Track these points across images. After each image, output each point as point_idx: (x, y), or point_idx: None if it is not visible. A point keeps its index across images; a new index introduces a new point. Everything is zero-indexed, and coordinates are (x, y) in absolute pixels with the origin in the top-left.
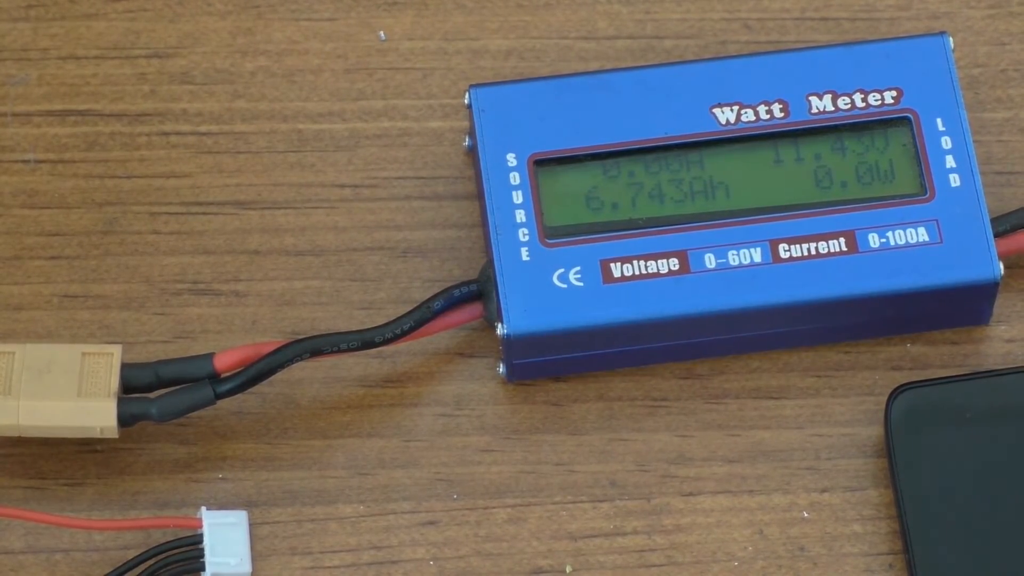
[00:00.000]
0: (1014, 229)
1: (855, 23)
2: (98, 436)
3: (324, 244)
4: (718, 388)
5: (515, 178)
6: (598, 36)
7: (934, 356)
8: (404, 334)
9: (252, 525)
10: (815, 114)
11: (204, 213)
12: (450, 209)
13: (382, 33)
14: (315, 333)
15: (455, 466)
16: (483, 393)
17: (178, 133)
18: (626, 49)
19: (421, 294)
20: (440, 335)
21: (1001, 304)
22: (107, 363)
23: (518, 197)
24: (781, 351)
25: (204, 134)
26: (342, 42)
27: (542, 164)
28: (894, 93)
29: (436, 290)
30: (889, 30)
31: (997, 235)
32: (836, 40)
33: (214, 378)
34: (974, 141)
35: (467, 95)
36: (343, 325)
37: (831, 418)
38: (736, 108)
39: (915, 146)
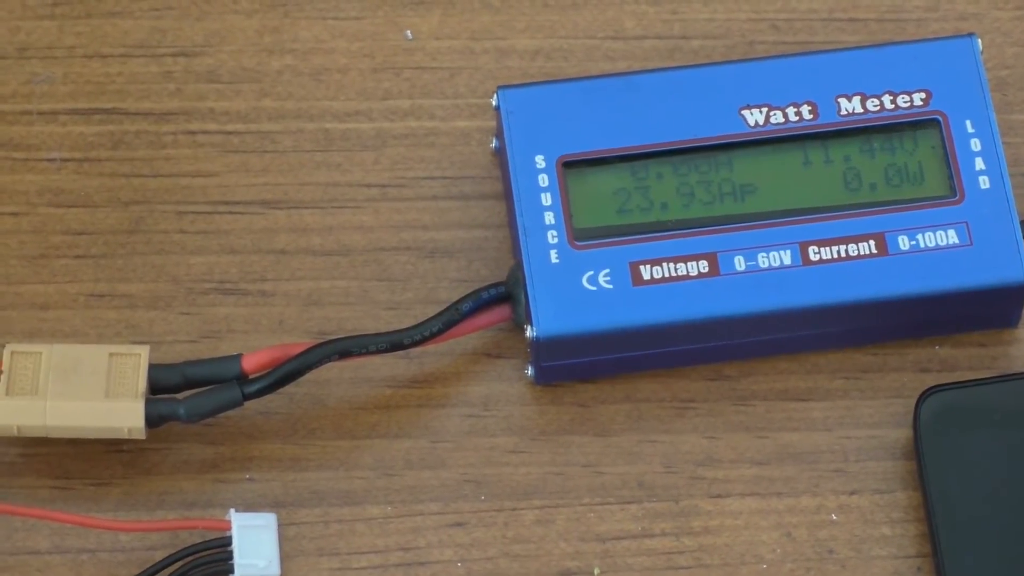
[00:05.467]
0: None
1: (883, 24)
2: (126, 437)
3: (351, 244)
4: (746, 390)
5: (544, 180)
6: (625, 36)
7: (962, 359)
8: (433, 336)
9: (280, 526)
10: (844, 116)
11: (231, 212)
12: (477, 209)
13: (409, 32)
14: (342, 333)
15: (483, 467)
16: (511, 394)
17: (204, 132)
18: (653, 49)
19: (448, 295)
20: (468, 336)
21: None
22: (135, 364)
23: (547, 199)
24: (809, 353)
25: (231, 133)
26: (369, 41)
27: (571, 166)
28: (923, 95)
29: (463, 290)
30: (917, 31)
31: None
32: (864, 41)
33: (242, 379)
34: (1003, 143)
35: (495, 97)
36: (370, 325)
37: (859, 420)
38: (765, 110)
39: (944, 148)
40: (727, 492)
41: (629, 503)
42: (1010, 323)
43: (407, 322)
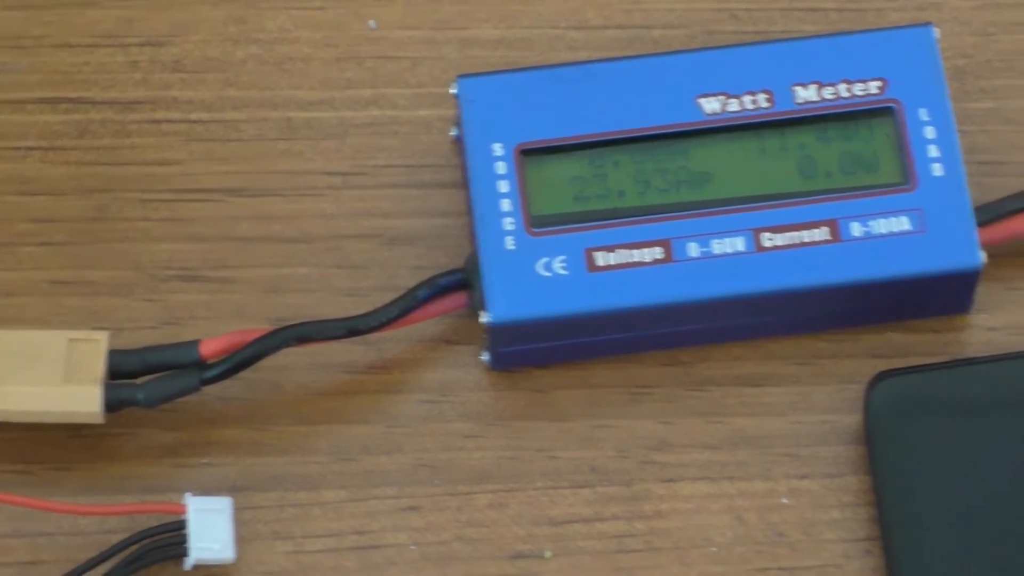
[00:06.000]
0: (997, 218)
1: (842, 13)
2: (84, 421)
3: (312, 231)
4: (700, 376)
5: (501, 167)
6: (587, 26)
7: (916, 344)
8: (390, 322)
9: (236, 510)
10: (800, 104)
11: (194, 200)
12: (437, 197)
13: (372, 22)
14: (302, 320)
15: (438, 452)
16: (467, 380)
17: (169, 121)
18: (614, 39)
19: (408, 282)
20: (425, 322)
21: (983, 293)
22: (94, 349)
23: (504, 186)
24: (764, 339)
25: (195, 122)
26: (332, 31)
27: (528, 154)
28: (879, 84)
29: (423, 278)
30: (876, 20)
31: (980, 224)
32: (823, 30)
33: (200, 364)
34: (959, 131)
35: (454, 85)
36: (329, 312)
37: (812, 405)
38: (722, 98)
39: (899, 136)
40: (679, 476)
41: (582, 487)
42: (963, 309)
43: (366, 309)
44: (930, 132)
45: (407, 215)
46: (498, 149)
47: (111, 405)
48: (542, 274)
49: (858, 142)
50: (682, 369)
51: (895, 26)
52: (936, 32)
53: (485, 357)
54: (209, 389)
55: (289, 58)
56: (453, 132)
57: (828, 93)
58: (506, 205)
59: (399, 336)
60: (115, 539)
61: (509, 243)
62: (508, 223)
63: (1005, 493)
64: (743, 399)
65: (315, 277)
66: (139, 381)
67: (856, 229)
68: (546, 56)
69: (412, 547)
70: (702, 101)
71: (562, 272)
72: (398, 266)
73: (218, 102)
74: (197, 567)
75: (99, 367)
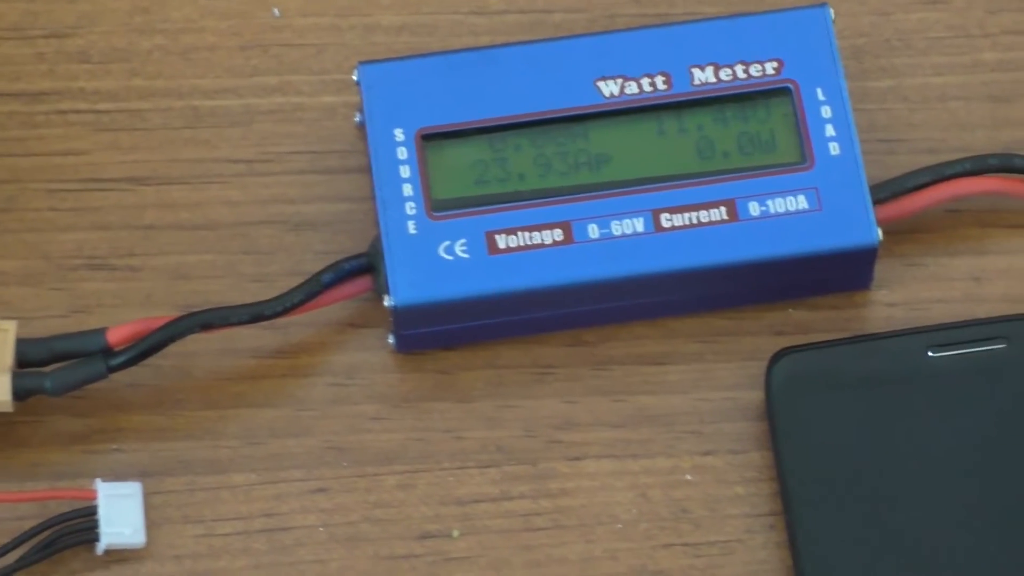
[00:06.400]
0: (895, 195)
1: None
2: None
3: (218, 219)
4: (604, 355)
5: (402, 152)
6: (489, 11)
7: (817, 321)
8: (294, 307)
9: (146, 495)
10: (697, 86)
11: (101, 190)
12: (343, 183)
13: (276, 10)
14: (208, 306)
15: (346, 434)
16: (374, 363)
17: (76, 111)
18: (516, 23)
19: (313, 267)
20: (332, 306)
21: (883, 269)
22: (2, 339)
23: (405, 171)
24: (666, 318)
25: (101, 112)
26: (237, 19)
27: (429, 139)
28: (775, 64)
29: (328, 263)
30: (775, 1)
31: (877, 201)
32: (723, 12)
33: (107, 352)
34: (858, 110)
35: (355, 72)
36: (236, 298)
37: (715, 383)
38: (620, 81)
39: (795, 116)
40: (584, 455)
41: (488, 467)
42: (863, 285)
43: (273, 294)
44: (826, 111)
45: (313, 200)
46: (399, 134)
47: (19, 393)
48: (444, 257)
49: (755, 122)
50: (586, 349)
51: (792, 7)
52: (831, 12)
53: (391, 340)
54: (118, 376)
55: (194, 47)
56: (357, 118)
57: (725, 74)
58: (408, 190)
59: (306, 320)
60: (27, 525)
61: (411, 227)
62: (410, 207)
63: (904, 467)
64: (646, 377)
65: (221, 264)
66: (47, 369)
67: (754, 208)
68: (449, 41)
69: (321, 529)
70: (601, 84)
71: (463, 255)
72: (304, 251)
73: (124, 92)
74: (108, 552)
75: (7, 356)
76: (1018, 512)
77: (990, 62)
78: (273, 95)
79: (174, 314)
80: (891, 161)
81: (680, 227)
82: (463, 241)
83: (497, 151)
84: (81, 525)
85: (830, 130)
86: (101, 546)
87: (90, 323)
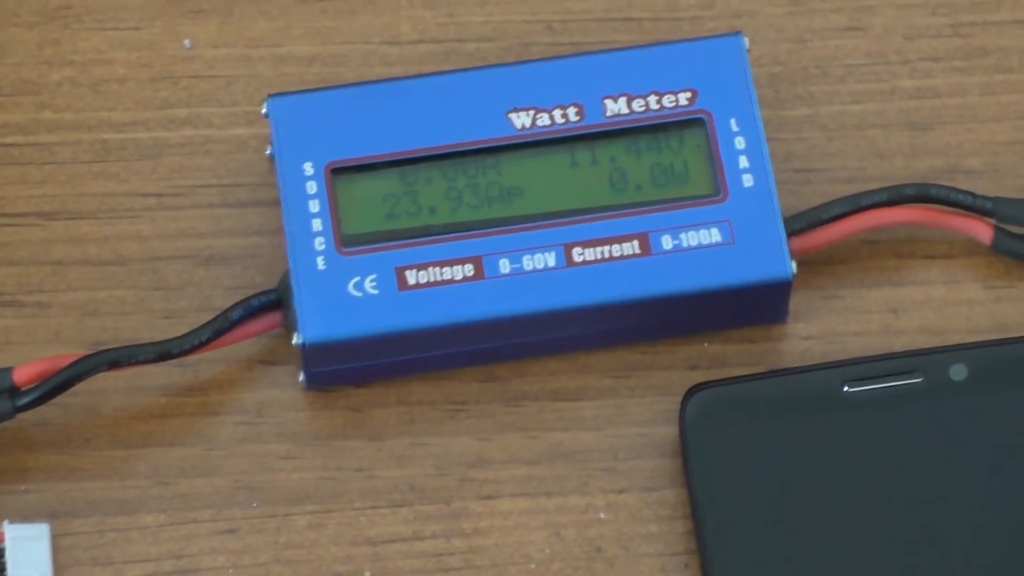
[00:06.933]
0: (810, 226)
1: (657, 23)
2: None
3: (127, 253)
4: (517, 391)
5: (312, 187)
6: (401, 41)
7: (731, 355)
8: (202, 345)
9: (54, 536)
10: (610, 117)
11: (8, 225)
12: (253, 216)
13: (187, 41)
14: (118, 343)
15: (256, 473)
16: (284, 400)
17: None
18: (429, 53)
19: (223, 302)
20: (243, 343)
21: (798, 302)
22: None
23: (315, 206)
24: (580, 352)
25: (10, 145)
26: (147, 51)
27: (339, 172)
28: (688, 94)
29: (239, 298)
30: (692, 29)
31: (793, 233)
32: (638, 41)
33: (13, 391)
34: (774, 139)
35: (264, 104)
36: (146, 334)
37: (629, 418)
38: (532, 112)
39: (709, 147)
40: (497, 493)
41: (400, 506)
42: (778, 319)
43: (183, 330)
44: (740, 142)
45: (223, 235)
46: (308, 168)
47: None
48: (353, 294)
49: (668, 154)
50: (499, 385)
51: (705, 36)
52: (746, 41)
53: (301, 377)
54: (25, 415)
55: (104, 79)
56: (268, 150)
57: (638, 105)
58: (317, 224)
59: (216, 357)
60: None
61: (320, 263)
62: (319, 243)
63: (819, 502)
64: (560, 413)
65: (131, 299)
66: None
67: (666, 242)
68: (361, 71)
69: (231, 570)
70: (512, 116)
71: (372, 291)
72: (214, 286)
73: (32, 125)
74: None
75: None
76: (932, 545)
77: (908, 89)
78: (183, 128)
79: (83, 351)
80: (808, 191)
81: (592, 261)
82: (372, 277)
83: (408, 184)
84: None
85: (744, 161)
86: None
87: None
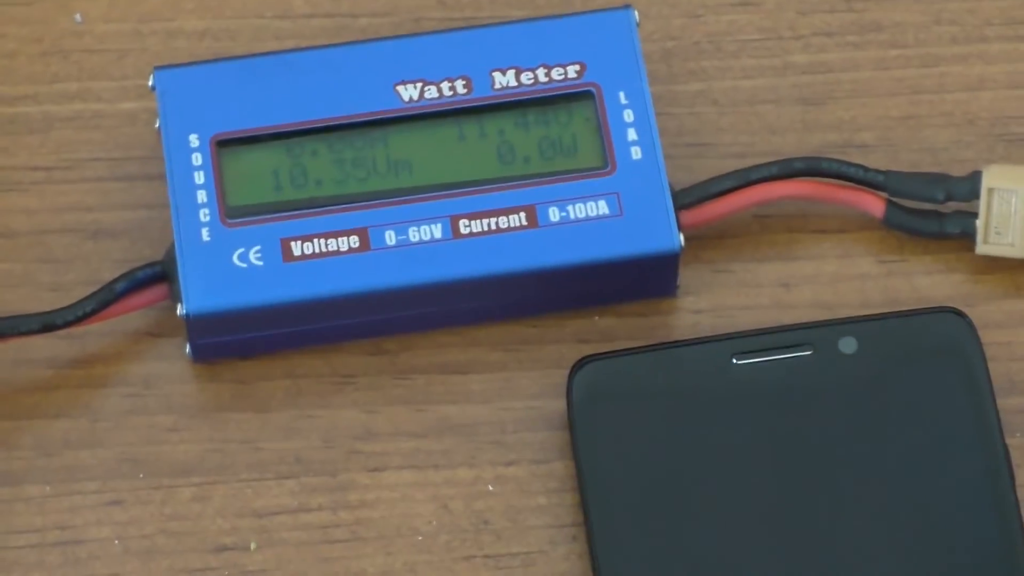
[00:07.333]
0: (699, 200)
1: None
2: None
3: (15, 227)
4: (406, 364)
5: (197, 159)
6: (293, 15)
7: (622, 328)
8: (86, 316)
9: None
10: (498, 90)
11: None
12: (142, 190)
13: (78, 16)
14: (3, 315)
15: (141, 446)
16: (171, 372)
17: None
18: (321, 28)
19: (111, 275)
20: (130, 315)
21: (690, 276)
22: None
23: (200, 178)
24: (469, 326)
25: None
26: (38, 25)
27: (225, 144)
28: (577, 67)
29: (126, 271)
30: (583, 3)
31: (682, 207)
32: (530, 14)
33: None
34: (666, 114)
35: (151, 77)
36: (32, 307)
37: (518, 392)
38: (419, 85)
39: (597, 120)
40: (384, 465)
41: (286, 478)
42: (668, 292)
43: (69, 303)
44: (628, 115)
45: (112, 208)
46: (194, 140)
47: None
48: (238, 265)
49: (557, 127)
50: (387, 358)
51: (595, 10)
52: (636, 15)
53: (187, 349)
54: None
55: None
56: (158, 124)
57: (526, 78)
58: (202, 196)
59: (103, 329)
60: None
61: (205, 235)
62: (204, 214)
63: (707, 476)
64: (448, 387)
65: (18, 272)
66: None
67: (554, 214)
68: (252, 46)
69: (116, 541)
70: (400, 89)
71: (257, 263)
72: (102, 260)
73: None
74: None
75: None
76: (822, 519)
77: (801, 64)
78: (73, 102)
79: None
80: (699, 165)
81: (479, 233)
82: (257, 248)
83: (294, 157)
84: None
85: (632, 134)
86: None
87: None
